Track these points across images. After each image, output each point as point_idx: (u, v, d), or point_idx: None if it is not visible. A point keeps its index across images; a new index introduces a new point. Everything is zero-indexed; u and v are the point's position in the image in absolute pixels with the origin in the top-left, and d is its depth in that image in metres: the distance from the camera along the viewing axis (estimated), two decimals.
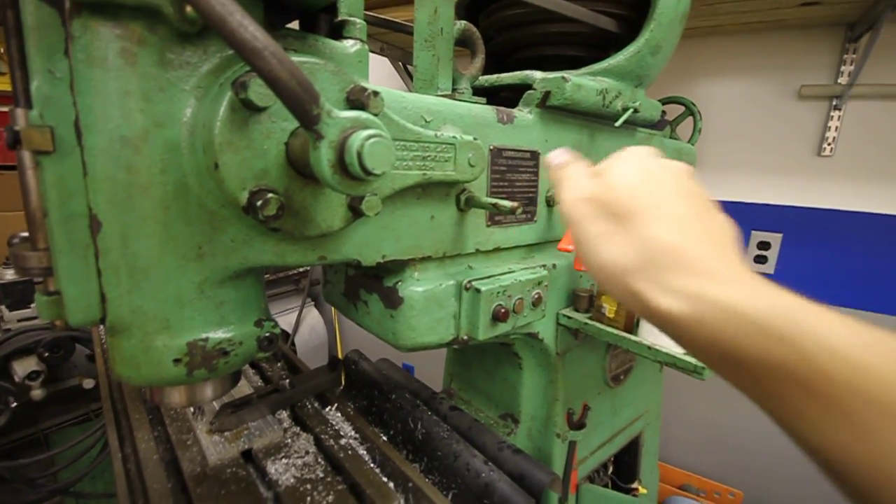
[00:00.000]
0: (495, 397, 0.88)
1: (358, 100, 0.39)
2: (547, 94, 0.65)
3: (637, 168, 0.33)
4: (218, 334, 0.44)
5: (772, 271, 1.36)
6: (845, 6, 1.04)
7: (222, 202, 0.39)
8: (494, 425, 0.86)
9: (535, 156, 0.67)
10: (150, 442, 0.54)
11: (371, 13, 0.77)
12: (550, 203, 0.71)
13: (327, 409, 0.67)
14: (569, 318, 0.73)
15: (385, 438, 0.78)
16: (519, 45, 0.82)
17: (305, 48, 0.44)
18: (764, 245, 1.35)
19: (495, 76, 0.74)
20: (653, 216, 0.29)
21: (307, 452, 0.56)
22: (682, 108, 1.17)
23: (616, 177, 0.33)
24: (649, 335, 0.65)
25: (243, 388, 0.70)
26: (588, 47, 0.78)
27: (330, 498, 0.48)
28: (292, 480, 0.51)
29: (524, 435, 0.84)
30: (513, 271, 0.65)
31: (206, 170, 0.38)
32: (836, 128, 1.20)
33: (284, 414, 0.65)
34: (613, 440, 0.96)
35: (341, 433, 0.60)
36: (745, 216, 1.36)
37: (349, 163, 0.31)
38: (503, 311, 0.59)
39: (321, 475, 0.52)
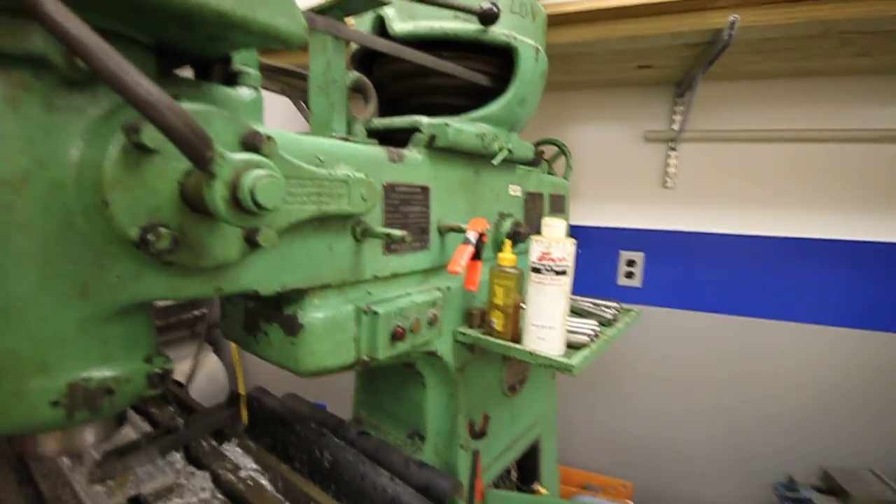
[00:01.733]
0: (403, 418, 0.92)
1: (252, 143, 0.44)
2: (433, 138, 0.74)
3: None
4: (102, 372, 0.43)
5: (639, 284, 1.59)
6: (670, 69, 1.31)
7: (110, 239, 0.40)
8: (402, 445, 0.90)
9: (425, 190, 0.75)
10: (18, 502, 0.48)
11: (267, 61, 0.82)
12: (442, 232, 0.79)
13: (224, 445, 0.65)
14: (464, 334, 0.81)
15: None
16: (409, 94, 0.91)
17: (199, 95, 0.47)
18: (631, 263, 1.58)
19: (388, 120, 0.82)
20: None
21: (203, 489, 0.55)
22: (556, 149, 1.35)
23: None
24: (532, 343, 0.74)
25: (129, 435, 0.65)
26: (469, 97, 0.90)
27: None
28: None
29: (431, 451, 0.88)
30: (409, 294, 0.71)
31: (93, 208, 0.39)
32: (675, 164, 1.47)
33: (177, 455, 0.62)
34: (514, 446, 1.04)
35: (241, 466, 0.59)
36: (614, 239, 1.59)
37: (242, 199, 0.35)
38: (401, 330, 0.64)
39: None
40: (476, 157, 0.85)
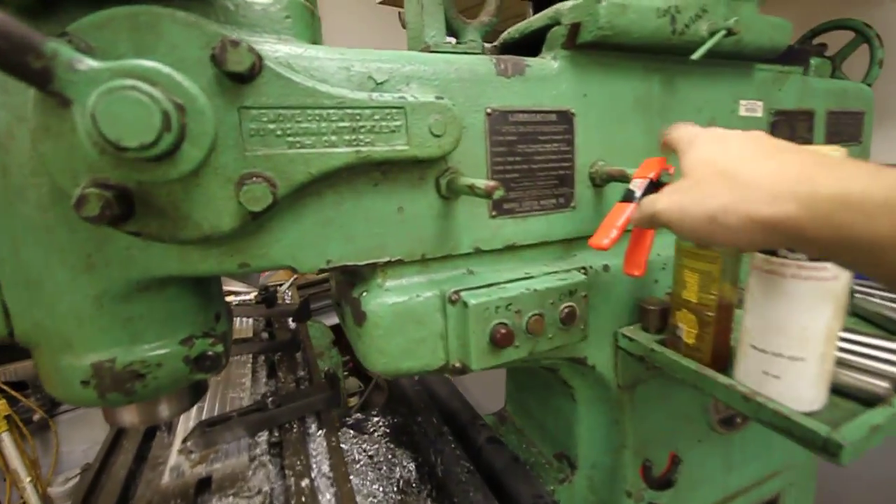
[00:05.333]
0: (550, 431, 0.71)
1: (218, 56, 0.29)
2: (575, 28, 0.46)
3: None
4: (128, 354, 0.38)
5: None
6: None
7: None
8: (547, 467, 0.69)
9: (565, 117, 0.48)
10: (129, 453, 0.53)
11: None
12: (597, 181, 0.51)
13: (319, 434, 0.59)
14: (630, 339, 0.53)
15: (413, 466, 0.68)
16: None
17: (198, 7, 0.35)
18: None
19: (525, 23, 0.57)
20: (740, 165, 0.29)
21: (259, 492, 0.49)
22: (853, 35, 0.80)
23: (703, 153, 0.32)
24: (750, 378, 0.42)
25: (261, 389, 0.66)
26: None
27: None
28: None
29: (584, 485, 0.65)
30: (530, 277, 0.48)
31: None
32: None
33: (264, 437, 0.59)
34: None
35: (312, 468, 0.51)
36: None
37: (95, 132, 0.21)
38: (504, 332, 0.43)
39: None
40: (663, 55, 0.52)
